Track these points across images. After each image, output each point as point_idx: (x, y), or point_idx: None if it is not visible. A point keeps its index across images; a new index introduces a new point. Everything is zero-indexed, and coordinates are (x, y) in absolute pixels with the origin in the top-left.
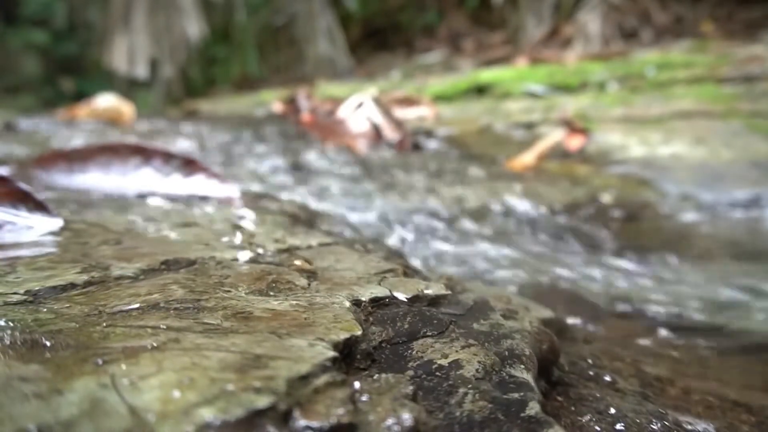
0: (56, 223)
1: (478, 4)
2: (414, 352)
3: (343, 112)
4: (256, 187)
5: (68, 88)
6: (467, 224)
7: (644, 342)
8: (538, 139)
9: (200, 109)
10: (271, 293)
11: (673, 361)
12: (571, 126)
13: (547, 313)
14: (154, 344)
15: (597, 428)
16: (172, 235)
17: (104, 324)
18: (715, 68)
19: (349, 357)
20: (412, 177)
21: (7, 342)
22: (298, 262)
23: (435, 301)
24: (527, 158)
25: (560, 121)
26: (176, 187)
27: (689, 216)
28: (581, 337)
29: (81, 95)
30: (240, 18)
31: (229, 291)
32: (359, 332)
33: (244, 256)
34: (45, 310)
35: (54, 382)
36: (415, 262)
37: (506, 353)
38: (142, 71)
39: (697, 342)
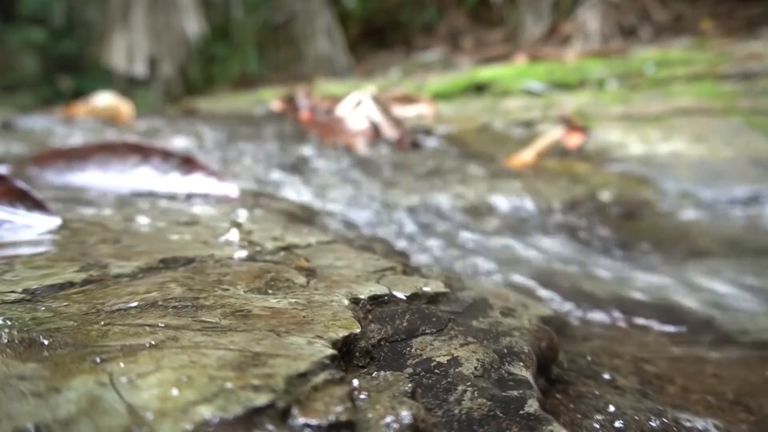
0: (54, 221)
1: (477, 2)
2: (413, 350)
3: (342, 110)
4: (254, 186)
5: (67, 86)
6: (466, 222)
7: (643, 340)
8: (537, 137)
9: (199, 107)
10: (270, 291)
11: (672, 359)
12: (570, 124)
13: (546, 311)
14: (153, 342)
15: (596, 426)
16: (171, 233)
17: (102, 322)
18: (715, 66)
19: (347, 355)
20: (411, 175)
21: (5, 340)
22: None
23: (434, 298)
24: (526, 156)
25: (559, 118)
26: (175, 185)
27: (688, 214)
28: (580, 334)
29: (79, 94)
30: (237, 16)
31: (227, 289)
32: (358, 330)
33: (243, 254)
34: (43, 308)
35: (52, 380)
36: (414, 260)
37: (505, 351)
38: (140, 70)
39: (696, 340)
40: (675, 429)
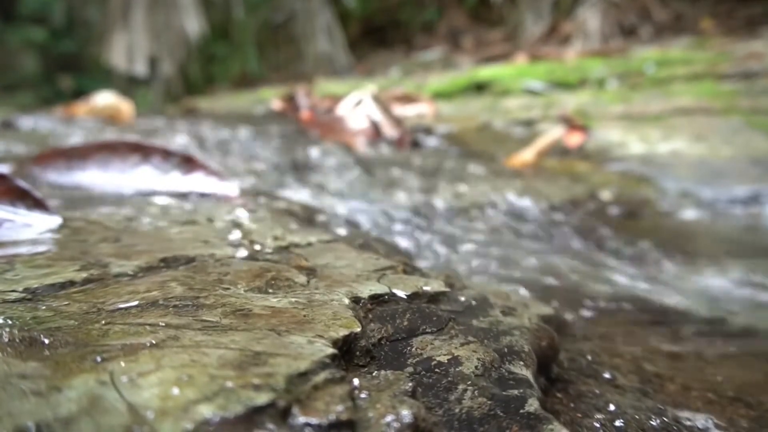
0: (55, 220)
1: (478, 1)
2: (413, 349)
3: (343, 109)
4: (255, 185)
5: (67, 86)
6: (466, 221)
7: (643, 338)
8: (537, 137)
9: (199, 107)
10: (270, 290)
11: (672, 357)
12: (571, 123)
13: (546, 310)
14: (153, 341)
15: (596, 425)
16: (171, 232)
17: (103, 321)
18: (715, 65)
19: (348, 354)
20: (411, 174)
21: (6, 339)
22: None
23: (434, 298)
24: (526, 155)
25: (560, 118)
26: (175, 184)
27: (689, 213)
28: (581, 333)
29: (80, 93)
30: (238, 15)
31: (228, 288)
32: (358, 329)
33: (243, 253)
34: (44, 307)
35: (53, 379)
36: (415, 259)
37: (505, 350)
38: (141, 69)
39: (696, 338)
40: (675, 427)
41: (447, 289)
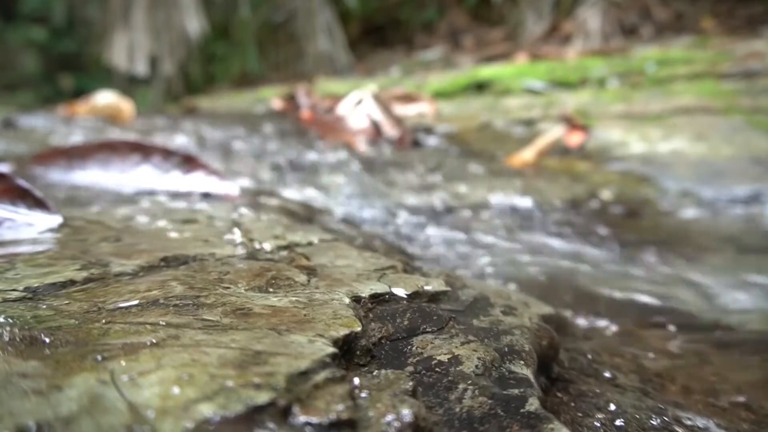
0: (55, 219)
1: (478, 0)
2: (414, 348)
3: (343, 109)
4: (255, 184)
5: (67, 85)
6: (466, 221)
7: (644, 338)
8: (537, 136)
9: (200, 106)
10: (271, 290)
11: (673, 357)
12: (571, 122)
13: (546, 310)
14: (154, 341)
15: (597, 424)
16: (172, 232)
17: (104, 321)
18: (716, 64)
19: (348, 353)
20: (412, 174)
21: (7, 338)
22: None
23: (435, 297)
24: (527, 155)
25: (560, 117)
26: (176, 184)
27: (689, 212)
28: (581, 333)
29: (80, 92)
30: (244, 14)
31: (228, 287)
32: (359, 328)
33: (244, 252)
34: (44, 306)
35: (53, 378)
36: (415, 259)
37: (506, 349)
38: (141, 68)
39: (697, 338)
40: (676, 427)
41: (447, 289)
